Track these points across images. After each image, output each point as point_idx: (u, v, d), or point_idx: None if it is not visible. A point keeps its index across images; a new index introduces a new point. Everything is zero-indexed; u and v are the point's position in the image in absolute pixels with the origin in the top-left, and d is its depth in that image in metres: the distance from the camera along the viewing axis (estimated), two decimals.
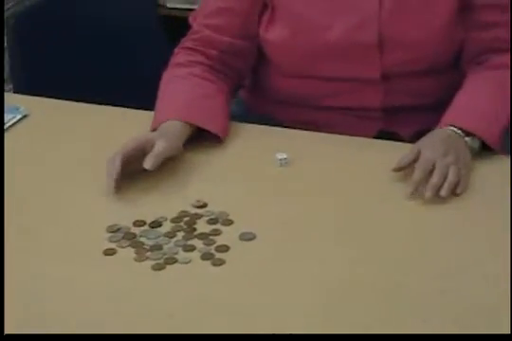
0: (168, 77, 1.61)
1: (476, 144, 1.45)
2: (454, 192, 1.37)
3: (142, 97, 1.62)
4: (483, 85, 1.54)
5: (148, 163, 1.37)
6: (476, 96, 1.53)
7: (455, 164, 1.38)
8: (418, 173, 1.38)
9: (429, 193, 1.35)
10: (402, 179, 1.44)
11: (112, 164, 1.38)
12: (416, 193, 1.38)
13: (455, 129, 1.45)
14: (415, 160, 1.41)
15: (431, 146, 1.42)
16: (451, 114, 1.50)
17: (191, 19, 1.67)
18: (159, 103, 1.57)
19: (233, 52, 1.62)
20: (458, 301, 1.16)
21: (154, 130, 1.49)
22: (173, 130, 1.47)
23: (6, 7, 2.47)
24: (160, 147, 1.40)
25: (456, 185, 1.37)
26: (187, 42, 1.65)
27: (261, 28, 1.61)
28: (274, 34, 1.60)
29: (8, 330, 1.10)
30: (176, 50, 1.66)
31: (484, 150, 1.47)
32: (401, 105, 1.63)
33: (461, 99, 1.52)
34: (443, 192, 1.35)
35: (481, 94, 1.53)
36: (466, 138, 1.44)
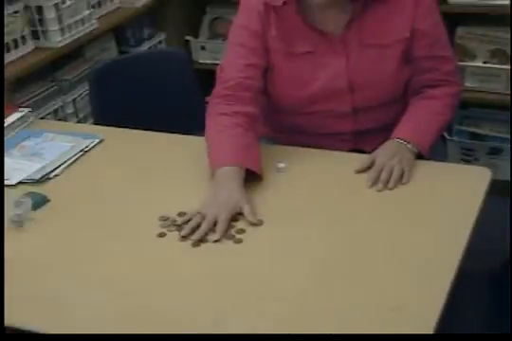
0: (218, 126, 1.72)
1: (415, 149, 1.73)
2: (401, 183, 1.65)
3: (183, 126, 1.86)
4: (417, 111, 1.81)
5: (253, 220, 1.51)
6: (413, 118, 1.80)
7: (399, 163, 1.66)
8: (372, 174, 1.67)
9: (379, 186, 1.64)
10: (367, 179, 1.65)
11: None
12: (373, 187, 1.64)
13: (399, 140, 1.73)
14: (372, 165, 1.68)
15: (382, 154, 1.71)
16: (397, 130, 1.77)
17: (218, 70, 1.81)
18: (215, 149, 1.68)
19: (259, 91, 1.80)
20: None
21: (214, 168, 1.63)
22: (235, 175, 1.59)
23: (88, 65, 2.60)
24: (247, 208, 1.53)
25: (400, 178, 1.64)
26: (222, 90, 1.77)
27: (267, 82, 1.81)
28: (276, 88, 1.82)
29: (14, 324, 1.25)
30: (216, 100, 1.77)
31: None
32: (365, 129, 1.87)
33: (404, 121, 1.79)
34: (390, 185, 1.64)
35: (416, 117, 1.80)
36: (408, 145, 1.72)
